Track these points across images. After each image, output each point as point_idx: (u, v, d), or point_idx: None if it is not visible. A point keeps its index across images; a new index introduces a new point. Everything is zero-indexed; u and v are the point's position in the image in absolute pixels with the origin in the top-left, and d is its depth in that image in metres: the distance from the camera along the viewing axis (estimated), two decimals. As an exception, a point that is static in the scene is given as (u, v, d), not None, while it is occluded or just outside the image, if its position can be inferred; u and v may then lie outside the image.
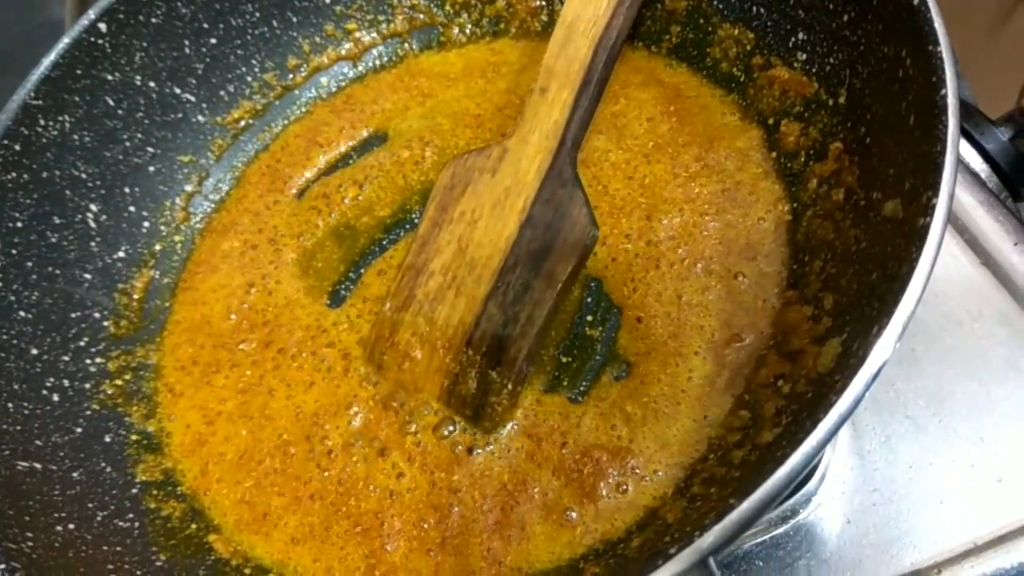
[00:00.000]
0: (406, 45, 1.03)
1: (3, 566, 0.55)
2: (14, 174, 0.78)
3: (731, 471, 0.62)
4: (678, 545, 0.45)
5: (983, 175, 0.88)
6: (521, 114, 0.79)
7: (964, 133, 0.88)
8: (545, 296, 0.72)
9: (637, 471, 0.67)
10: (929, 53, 0.57)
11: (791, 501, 0.73)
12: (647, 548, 0.60)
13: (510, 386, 0.71)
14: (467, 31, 1.02)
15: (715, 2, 0.86)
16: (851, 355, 0.55)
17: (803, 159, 0.76)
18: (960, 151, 0.87)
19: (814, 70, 0.76)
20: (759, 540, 0.72)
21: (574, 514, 0.67)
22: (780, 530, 0.72)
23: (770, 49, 0.81)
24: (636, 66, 0.92)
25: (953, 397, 0.76)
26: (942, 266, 0.82)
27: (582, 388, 0.73)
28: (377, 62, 1.03)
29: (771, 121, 0.81)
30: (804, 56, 0.77)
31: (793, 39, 0.78)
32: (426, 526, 0.68)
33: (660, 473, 0.67)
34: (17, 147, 0.79)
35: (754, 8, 0.82)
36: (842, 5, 0.71)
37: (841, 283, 0.65)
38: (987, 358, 0.77)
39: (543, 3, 1.00)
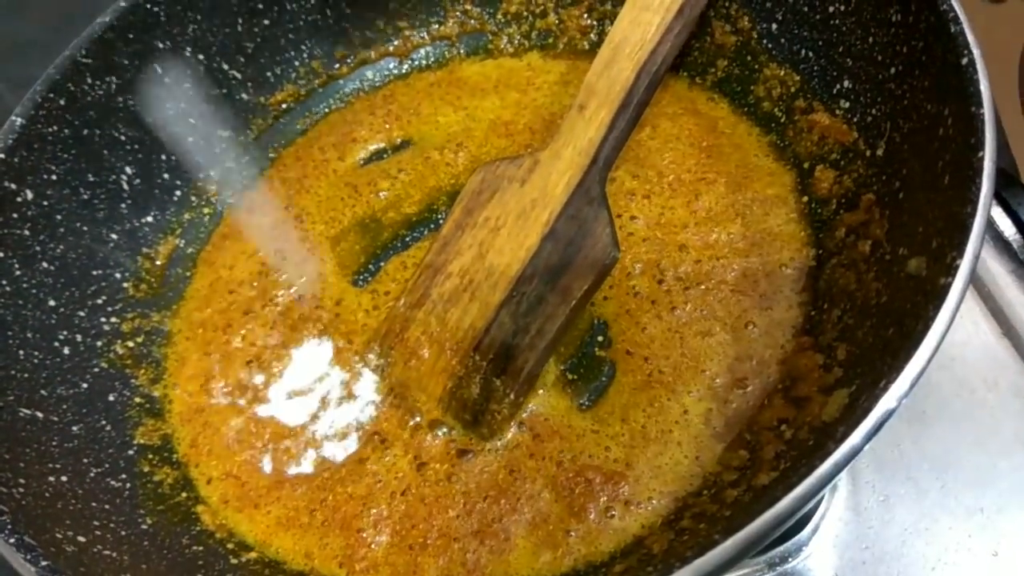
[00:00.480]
0: (453, 49, 1.04)
1: (-9, 507, 0.56)
2: (55, 127, 0.80)
3: (723, 509, 0.61)
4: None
5: (1015, 245, 0.87)
6: (557, 128, 0.79)
7: (1000, 200, 0.87)
8: (559, 311, 0.72)
9: (628, 497, 0.67)
10: (971, 114, 0.57)
11: (781, 548, 0.72)
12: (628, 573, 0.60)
13: (512, 396, 0.71)
14: (515, 42, 1.03)
15: (765, 41, 0.86)
16: (856, 407, 0.55)
17: (834, 206, 0.76)
18: (994, 217, 0.86)
19: (855, 119, 0.76)
20: (745, 583, 0.71)
21: (560, 532, 0.66)
22: (768, 575, 0.72)
23: (814, 94, 0.81)
24: (677, 94, 0.92)
25: (958, 464, 0.75)
26: (963, 332, 0.81)
27: (585, 405, 0.72)
28: (423, 62, 1.04)
29: (806, 165, 0.80)
30: (847, 104, 0.77)
31: (838, 86, 0.78)
32: (411, 523, 0.68)
33: (652, 502, 0.66)
34: (62, 102, 0.80)
35: (803, 51, 0.82)
36: (891, 58, 0.70)
37: (857, 335, 0.65)
38: (998, 429, 0.76)
39: (593, 23, 1.00)
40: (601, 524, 0.66)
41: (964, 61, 0.59)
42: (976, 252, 0.51)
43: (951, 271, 0.51)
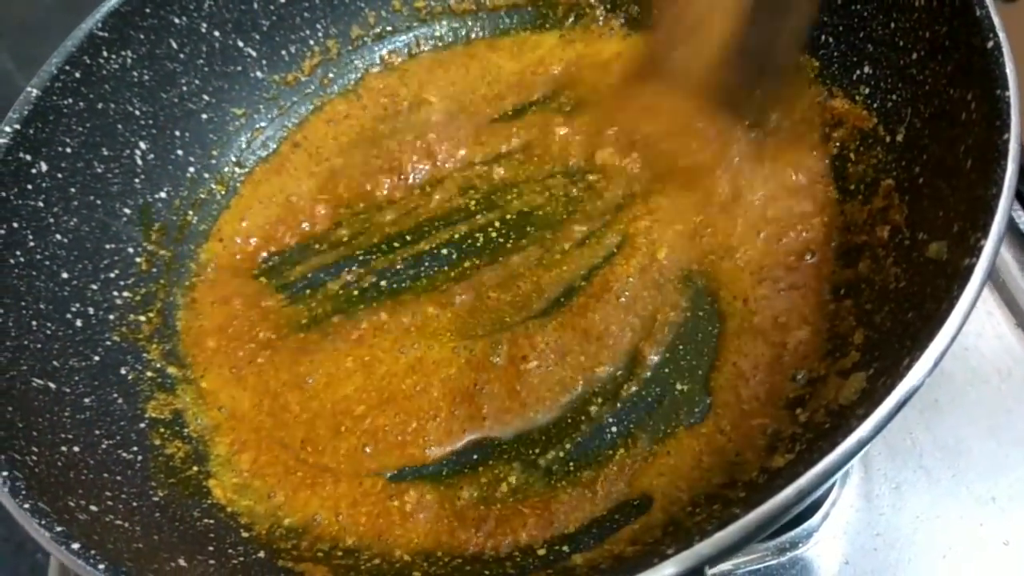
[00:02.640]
0: (469, 25, 1.04)
1: (6, 473, 0.55)
2: (70, 100, 0.79)
3: (736, 491, 0.61)
4: (676, 546, 0.45)
5: (1031, 237, 0.86)
6: None
7: (1018, 194, 0.87)
8: None
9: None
10: (996, 97, 0.57)
11: (791, 534, 0.72)
12: (638, 543, 0.60)
13: None
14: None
15: (784, 27, 0.86)
16: (876, 390, 0.54)
17: (852, 192, 0.76)
18: (1012, 210, 0.85)
19: (875, 105, 0.75)
20: (755, 567, 0.71)
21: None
22: (777, 560, 0.71)
23: (833, 79, 0.80)
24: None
25: (970, 453, 0.74)
26: (976, 321, 0.81)
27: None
28: (438, 42, 1.03)
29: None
30: (867, 90, 0.76)
31: (858, 72, 0.78)
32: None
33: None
34: (77, 74, 0.80)
35: (823, 37, 0.82)
36: (913, 43, 0.70)
37: (875, 320, 0.65)
38: (1010, 419, 0.75)
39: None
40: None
41: (990, 44, 0.59)
42: (1001, 233, 0.50)
43: (975, 251, 0.50)
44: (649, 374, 0.73)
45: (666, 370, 0.73)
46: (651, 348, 0.74)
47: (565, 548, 0.65)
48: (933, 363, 0.47)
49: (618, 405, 0.71)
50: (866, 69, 0.77)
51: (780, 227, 0.77)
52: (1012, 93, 0.56)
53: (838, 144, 0.79)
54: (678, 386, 0.72)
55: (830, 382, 0.63)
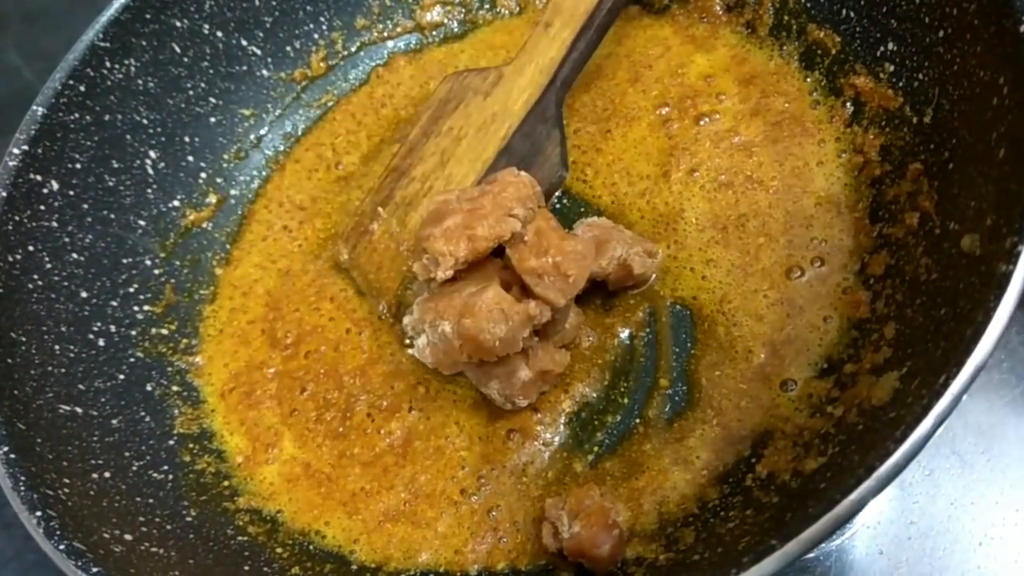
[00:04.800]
0: (476, 16, 1.01)
1: (39, 513, 0.56)
2: (77, 115, 0.78)
3: (770, 495, 0.60)
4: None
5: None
6: (523, 45, 0.82)
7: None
8: None
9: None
10: (1032, 86, 0.54)
11: (824, 524, 0.72)
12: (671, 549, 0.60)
13: None
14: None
15: (804, 0, 0.83)
16: (909, 394, 0.53)
17: (879, 175, 0.73)
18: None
19: (901, 84, 0.73)
20: (788, 560, 0.71)
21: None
22: (811, 554, 0.71)
23: (856, 56, 0.78)
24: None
25: (1005, 437, 0.73)
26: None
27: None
28: (447, 32, 1.01)
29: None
30: (892, 68, 0.74)
31: (882, 48, 0.75)
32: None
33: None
34: (82, 88, 0.79)
35: (844, 11, 0.79)
36: (939, 21, 0.67)
37: (906, 313, 0.63)
38: (1046, 401, 0.74)
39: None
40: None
41: (1022, 28, 0.56)
42: (1038, 237, 0.48)
43: (1012, 257, 0.49)
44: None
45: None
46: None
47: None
48: (969, 379, 0.46)
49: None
50: (890, 46, 0.74)
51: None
52: (1048, 83, 0.53)
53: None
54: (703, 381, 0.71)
55: (862, 380, 0.62)
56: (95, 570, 0.53)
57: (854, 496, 0.44)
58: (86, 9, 0.81)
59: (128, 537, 0.61)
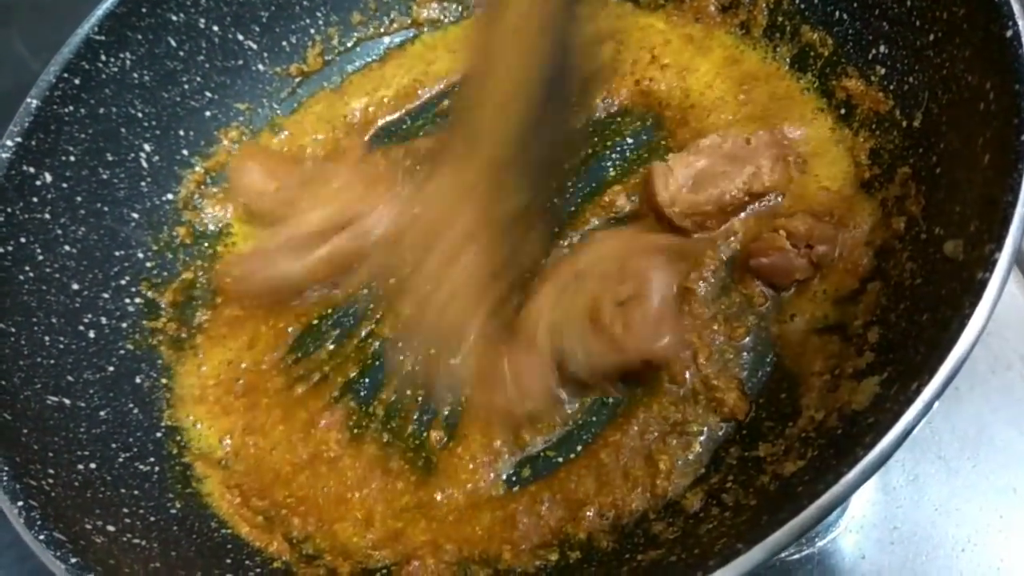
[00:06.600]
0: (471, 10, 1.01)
1: (21, 503, 0.56)
2: (71, 107, 0.79)
3: (748, 497, 0.60)
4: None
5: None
6: None
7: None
8: None
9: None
10: (1015, 91, 0.54)
11: (808, 527, 0.72)
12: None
13: None
14: None
15: (798, 2, 0.82)
16: (888, 399, 0.53)
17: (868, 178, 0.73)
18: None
19: (891, 87, 0.73)
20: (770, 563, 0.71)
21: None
22: (793, 556, 0.71)
23: (848, 58, 0.77)
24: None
25: (991, 443, 0.73)
26: (999, 306, 0.78)
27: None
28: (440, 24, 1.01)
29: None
30: (883, 71, 0.73)
31: (874, 51, 0.75)
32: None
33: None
34: (77, 81, 0.79)
35: (837, 13, 0.78)
36: (929, 24, 0.67)
37: (890, 317, 0.63)
38: (1033, 407, 0.74)
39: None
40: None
41: (1009, 33, 0.56)
42: (1016, 245, 0.48)
43: (989, 265, 0.48)
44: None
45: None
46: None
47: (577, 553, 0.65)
48: (942, 384, 0.46)
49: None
50: (882, 48, 0.74)
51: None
52: (1032, 90, 0.53)
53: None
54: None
55: (843, 384, 0.62)
56: (73, 560, 0.53)
57: (822, 501, 0.44)
58: (93, 1, 0.81)
59: (111, 528, 0.61)
